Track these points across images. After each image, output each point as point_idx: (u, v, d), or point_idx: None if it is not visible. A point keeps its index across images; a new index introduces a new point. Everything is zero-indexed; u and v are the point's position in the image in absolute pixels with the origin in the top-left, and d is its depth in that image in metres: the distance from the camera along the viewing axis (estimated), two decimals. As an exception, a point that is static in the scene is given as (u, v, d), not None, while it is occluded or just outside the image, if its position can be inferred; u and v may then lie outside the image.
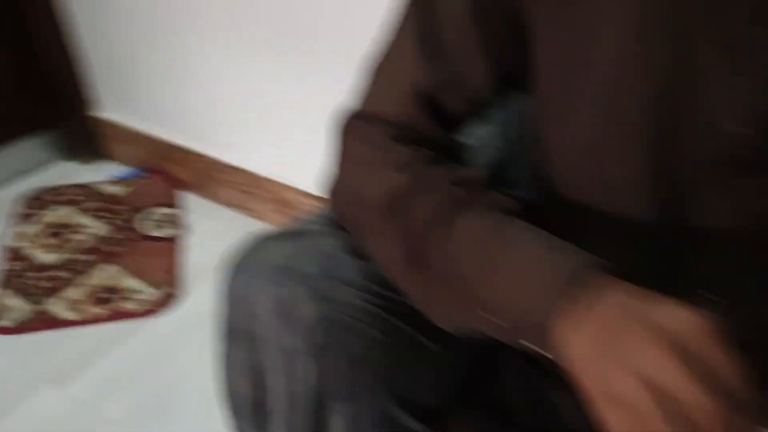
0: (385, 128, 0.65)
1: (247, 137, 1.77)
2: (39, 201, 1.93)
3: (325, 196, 0.70)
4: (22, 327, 1.54)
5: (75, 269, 1.70)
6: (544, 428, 0.71)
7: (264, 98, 1.67)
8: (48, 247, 1.77)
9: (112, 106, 2.04)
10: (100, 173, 2.05)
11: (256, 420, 0.70)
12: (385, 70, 0.67)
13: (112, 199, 1.94)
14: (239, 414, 0.72)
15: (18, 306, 1.59)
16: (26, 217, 1.88)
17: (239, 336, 0.68)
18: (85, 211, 1.90)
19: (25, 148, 2.02)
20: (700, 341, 0.43)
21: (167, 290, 1.63)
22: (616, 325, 0.46)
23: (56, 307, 1.59)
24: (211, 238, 1.78)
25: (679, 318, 0.44)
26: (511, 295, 0.52)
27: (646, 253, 0.61)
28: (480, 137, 0.86)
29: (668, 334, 0.43)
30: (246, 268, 0.66)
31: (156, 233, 1.82)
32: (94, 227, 1.84)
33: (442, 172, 0.60)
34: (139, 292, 1.63)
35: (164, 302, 1.60)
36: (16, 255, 1.74)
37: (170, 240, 1.80)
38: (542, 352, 0.50)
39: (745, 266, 0.59)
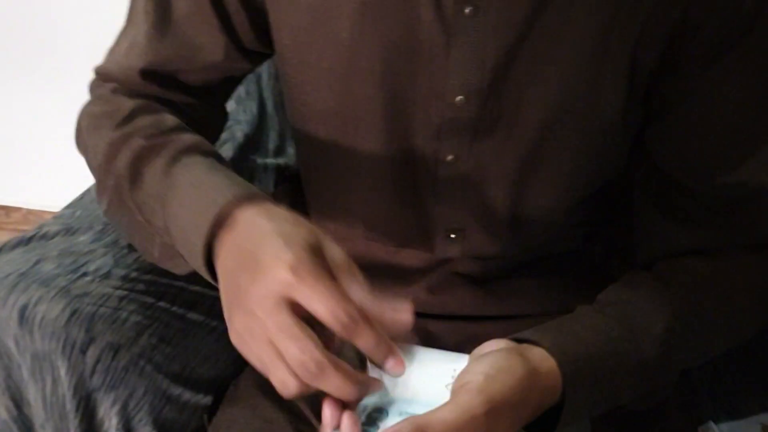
0: (116, 87, 0.64)
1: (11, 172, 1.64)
2: None
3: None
4: None
5: None
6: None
7: (17, 126, 1.56)
8: None
9: None
10: None
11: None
12: (126, 34, 0.66)
13: None
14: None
15: None
16: None
17: (-10, 357, 0.64)
18: None
19: None
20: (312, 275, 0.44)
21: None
22: (245, 251, 0.47)
23: None
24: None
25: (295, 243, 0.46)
26: (179, 227, 0.53)
27: (395, 208, 0.65)
28: (238, 101, 0.88)
29: (283, 266, 0.44)
30: (-20, 286, 0.62)
31: None
32: None
33: (146, 124, 0.60)
34: None
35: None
36: None
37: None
38: (211, 281, 0.52)
39: (479, 213, 0.64)
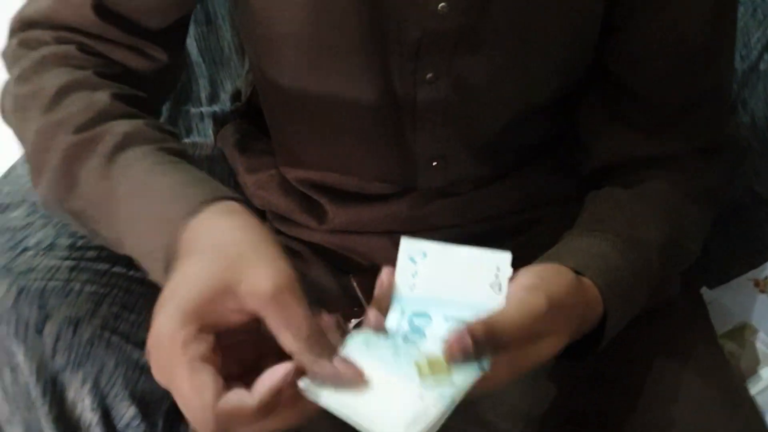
0: (44, 57, 0.56)
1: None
2: None
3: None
4: None
5: None
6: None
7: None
8: None
9: None
10: None
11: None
12: None
13: None
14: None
15: None
16: None
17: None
18: None
19: None
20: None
21: None
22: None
23: None
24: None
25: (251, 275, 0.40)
26: (132, 246, 0.48)
27: (371, 140, 0.62)
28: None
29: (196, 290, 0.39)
30: None
31: None
32: None
33: (75, 110, 0.52)
34: None
35: None
36: None
37: None
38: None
39: (460, 135, 0.62)
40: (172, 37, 0.61)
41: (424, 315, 0.44)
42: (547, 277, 0.47)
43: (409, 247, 0.48)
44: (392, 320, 0.44)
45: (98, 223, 0.51)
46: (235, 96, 0.83)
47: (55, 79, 0.54)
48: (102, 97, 0.53)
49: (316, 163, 0.67)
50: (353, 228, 0.68)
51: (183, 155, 0.52)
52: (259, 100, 0.72)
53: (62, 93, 0.53)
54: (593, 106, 0.65)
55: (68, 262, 0.59)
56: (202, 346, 0.38)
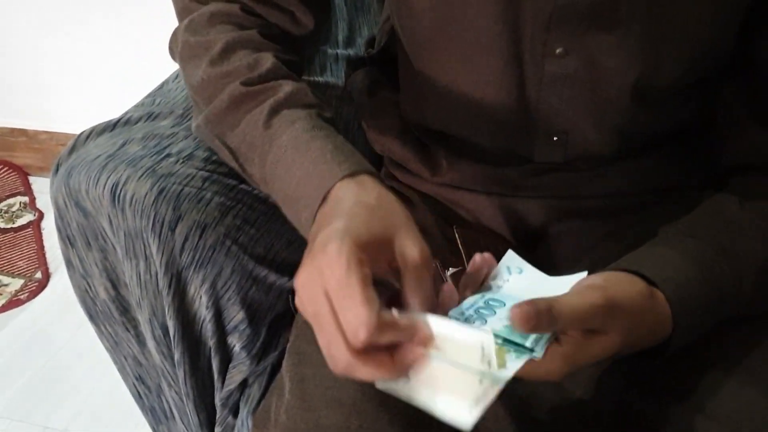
0: (213, 13, 0.63)
1: (83, 103, 1.68)
2: None
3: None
4: None
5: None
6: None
7: (90, 61, 1.59)
8: None
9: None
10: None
11: (121, 318, 0.70)
12: None
13: (-46, 202, 1.81)
14: (103, 318, 0.71)
15: None
16: None
17: (86, 239, 0.67)
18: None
19: None
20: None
21: (34, 277, 1.56)
22: (323, 222, 0.48)
23: None
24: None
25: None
26: (281, 193, 0.54)
27: (497, 105, 0.63)
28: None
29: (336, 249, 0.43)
30: (71, 170, 0.64)
31: (12, 225, 1.71)
32: (-60, 234, 1.71)
33: (243, 65, 0.59)
34: (6, 285, 1.54)
35: (33, 290, 1.53)
36: None
37: (28, 227, 1.70)
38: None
39: (584, 109, 0.61)
40: (318, 2, 0.66)
41: (499, 301, 0.47)
42: (613, 281, 0.47)
43: (510, 259, 0.52)
44: (470, 299, 0.48)
45: (249, 161, 0.58)
46: (369, 43, 0.85)
47: (221, 34, 0.61)
48: (267, 57, 0.60)
49: (440, 115, 0.68)
50: (464, 185, 0.70)
51: (335, 125, 0.58)
52: (391, 50, 0.75)
53: (229, 48, 0.60)
54: (736, 99, 0.61)
55: (203, 173, 0.64)
56: (368, 270, 0.43)
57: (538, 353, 0.43)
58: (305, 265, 0.45)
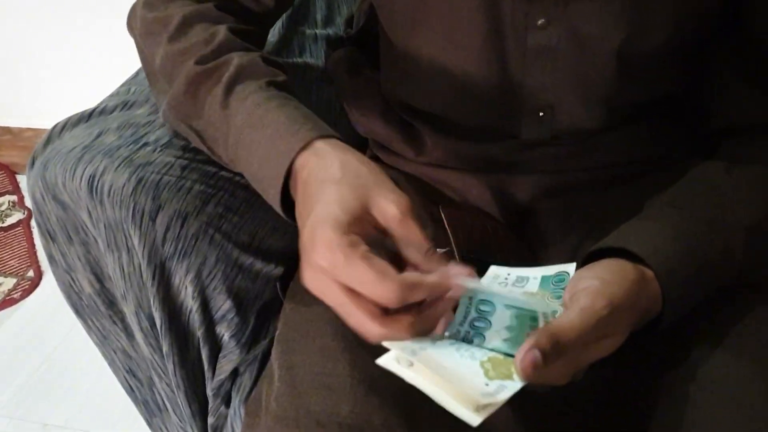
0: None
1: (67, 99, 1.66)
2: None
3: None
4: None
5: None
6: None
7: (74, 56, 1.57)
8: None
9: None
10: None
11: (107, 312, 0.69)
12: None
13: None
14: (90, 312, 0.70)
15: None
16: None
17: (66, 233, 0.66)
18: None
19: None
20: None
21: (26, 276, 1.55)
22: (306, 199, 0.48)
23: None
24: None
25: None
26: (250, 172, 0.54)
27: (480, 82, 0.62)
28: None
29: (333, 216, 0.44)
30: (46, 163, 0.63)
31: (2, 224, 1.70)
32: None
33: (199, 40, 0.58)
34: (-1, 284, 1.54)
35: (26, 288, 1.52)
36: None
37: (18, 226, 1.69)
38: (287, 218, 0.53)
39: (569, 82, 0.61)
40: None
41: (488, 302, 0.46)
42: (609, 279, 0.47)
43: (495, 271, 0.53)
44: (460, 311, 0.47)
45: (215, 143, 0.57)
46: (348, 22, 0.84)
47: (178, 9, 0.60)
48: (221, 30, 0.59)
49: (422, 93, 0.67)
50: (449, 163, 0.69)
51: (289, 89, 0.57)
52: (371, 29, 0.73)
53: (186, 23, 0.59)
54: (725, 63, 0.60)
55: (181, 161, 0.63)
56: (364, 246, 0.43)
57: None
58: (305, 267, 0.45)
